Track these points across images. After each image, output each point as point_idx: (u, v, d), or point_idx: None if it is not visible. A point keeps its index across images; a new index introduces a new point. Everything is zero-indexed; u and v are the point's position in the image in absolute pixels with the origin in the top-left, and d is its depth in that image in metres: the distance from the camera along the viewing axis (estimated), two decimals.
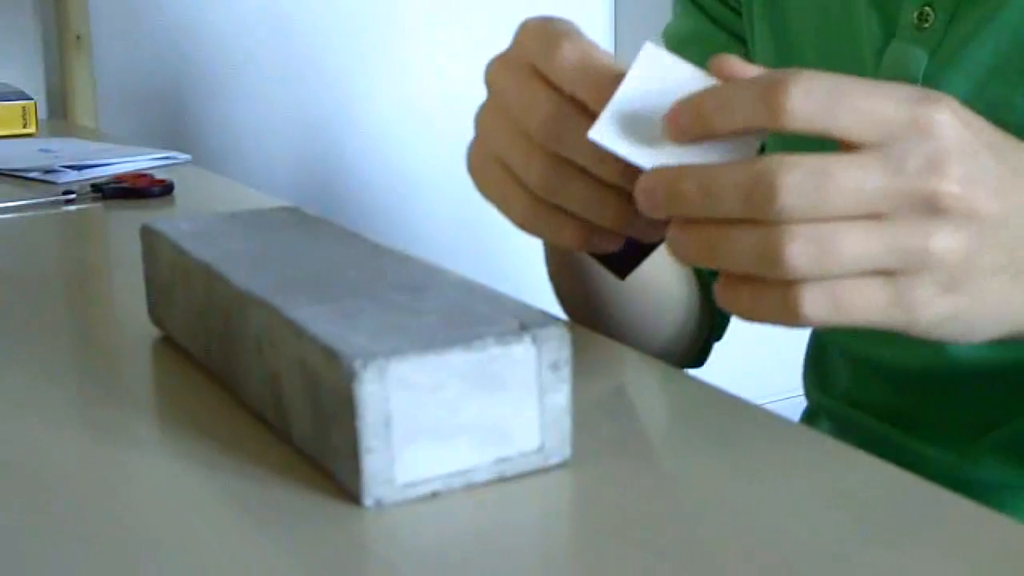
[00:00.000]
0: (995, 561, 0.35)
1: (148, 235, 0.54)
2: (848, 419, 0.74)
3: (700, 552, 0.35)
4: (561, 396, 0.39)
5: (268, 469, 0.40)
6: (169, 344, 0.54)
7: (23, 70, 1.54)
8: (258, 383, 0.44)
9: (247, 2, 1.69)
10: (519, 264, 1.56)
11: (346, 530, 0.36)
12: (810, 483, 0.40)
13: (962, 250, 0.40)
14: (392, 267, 0.47)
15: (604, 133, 0.43)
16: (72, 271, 0.73)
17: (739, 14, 0.74)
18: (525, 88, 0.47)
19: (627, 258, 0.53)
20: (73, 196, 0.91)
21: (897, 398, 0.71)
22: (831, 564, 0.34)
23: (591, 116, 0.44)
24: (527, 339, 0.38)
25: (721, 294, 0.42)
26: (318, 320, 0.39)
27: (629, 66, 0.44)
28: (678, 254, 0.42)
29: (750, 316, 0.41)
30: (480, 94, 0.51)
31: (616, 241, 0.49)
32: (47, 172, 1.01)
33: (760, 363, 1.79)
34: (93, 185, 0.93)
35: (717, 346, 0.78)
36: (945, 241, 0.40)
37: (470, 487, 0.38)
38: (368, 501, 0.37)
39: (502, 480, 0.39)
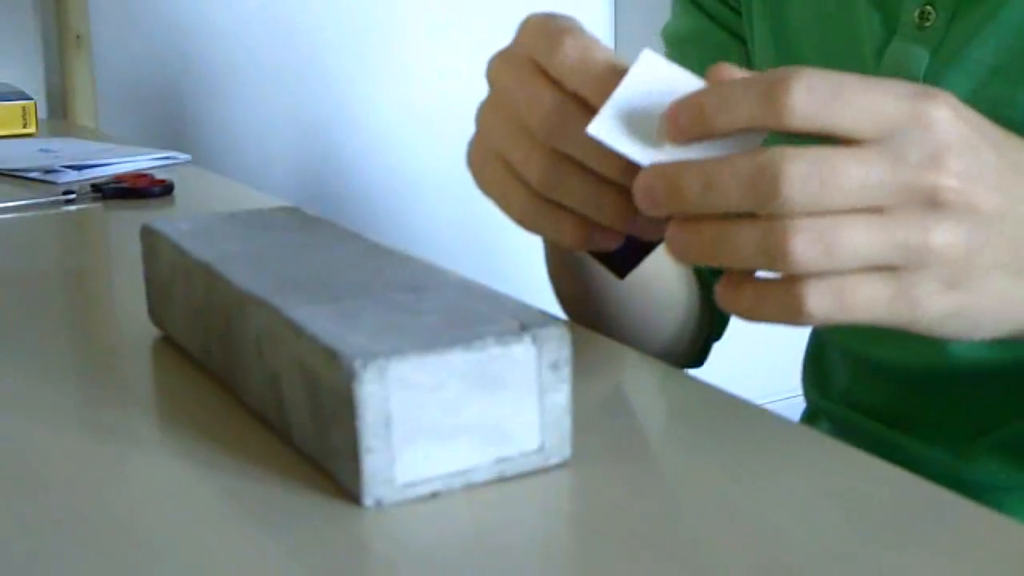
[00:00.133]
0: (995, 561, 0.35)
1: (148, 235, 0.54)
2: (847, 420, 0.74)
3: (700, 552, 0.35)
4: (561, 396, 0.39)
5: (268, 469, 0.40)
6: (169, 344, 0.54)
7: (23, 70, 1.54)
8: (258, 383, 0.44)
9: (247, 2, 1.69)
10: (519, 264, 1.56)
11: (346, 530, 0.36)
12: (810, 483, 0.40)
13: (963, 246, 0.40)
14: (392, 267, 0.47)
15: (603, 129, 0.43)
16: (72, 271, 0.73)
17: (739, 13, 0.74)
18: (527, 84, 0.47)
19: (627, 257, 0.53)
20: (73, 196, 0.91)
21: (896, 398, 0.71)
22: (831, 564, 0.34)
23: (592, 112, 0.44)
24: (527, 339, 0.38)
25: (722, 295, 0.42)
26: (318, 320, 0.39)
27: (630, 65, 0.44)
28: (677, 253, 0.42)
29: (752, 316, 0.41)
30: (480, 94, 0.51)
31: (616, 239, 0.49)
32: (47, 172, 1.01)
33: (760, 363, 1.80)
34: (93, 185, 0.93)
35: (717, 346, 0.78)
36: (945, 236, 0.40)
37: (470, 487, 0.38)
38: (368, 501, 0.37)
39: (502, 480, 0.39)
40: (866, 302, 0.40)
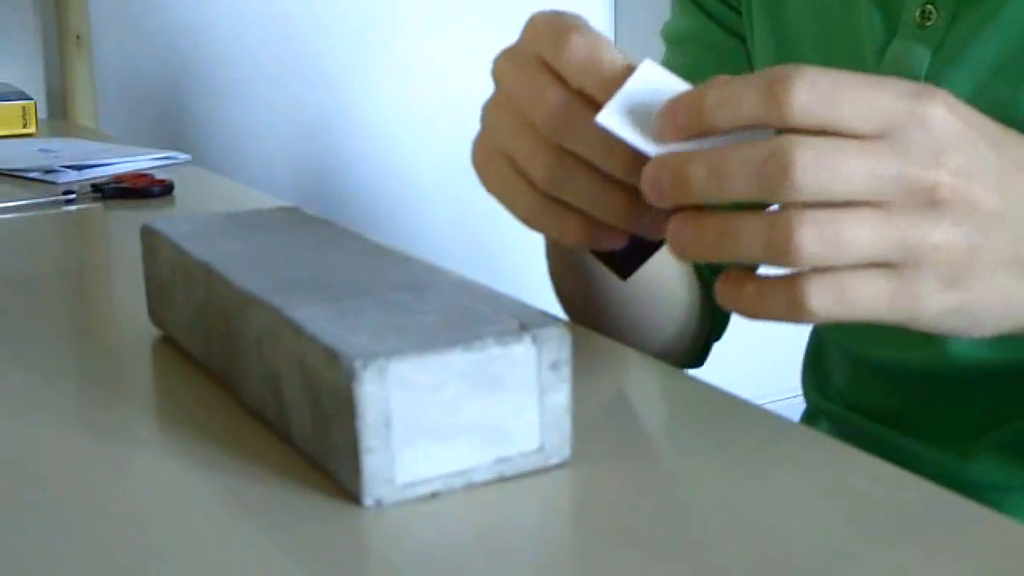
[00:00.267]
0: (995, 561, 0.35)
1: (148, 235, 0.54)
2: (847, 420, 0.74)
3: (700, 552, 0.35)
4: (561, 396, 0.39)
5: (268, 469, 0.40)
6: (169, 344, 0.54)
7: (23, 70, 1.54)
8: (258, 383, 0.44)
9: (247, 2, 1.69)
10: (519, 264, 1.56)
11: (346, 530, 0.36)
12: (810, 483, 0.40)
13: (962, 244, 0.40)
14: (392, 267, 0.47)
15: (612, 119, 0.43)
16: (72, 271, 0.73)
17: (739, 12, 0.74)
18: (533, 81, 0.46)
19: (630, 258, 0.53)
20: (73, 196, 0.91)
21: (896, 398, 0.71)
22: (831, 564, 0.34)
23: (598, 110, 0.44)
24: (527, 339, 0.38)
25: (722, 292, 0.42)
26: (318, 320, 0.39)
27: (637, 62, 0.44)
28: (679, 250, 0.41)
29: (753, 313, 0.41)
30: (480, 94, 0.51)
31: (620, 238, 0.49)
32: (47, 172, 1.01)
33: (760, 363, 1.80)
34: (93, 185, 0.93)
35: (717, 346, 0.78)
36: (944, 235, 0.40)
37: (470, 487, 0.38)
38: (368, 501, 0.37)
39: (502, 480, 0.39)
40: (867, 299, 0.40)
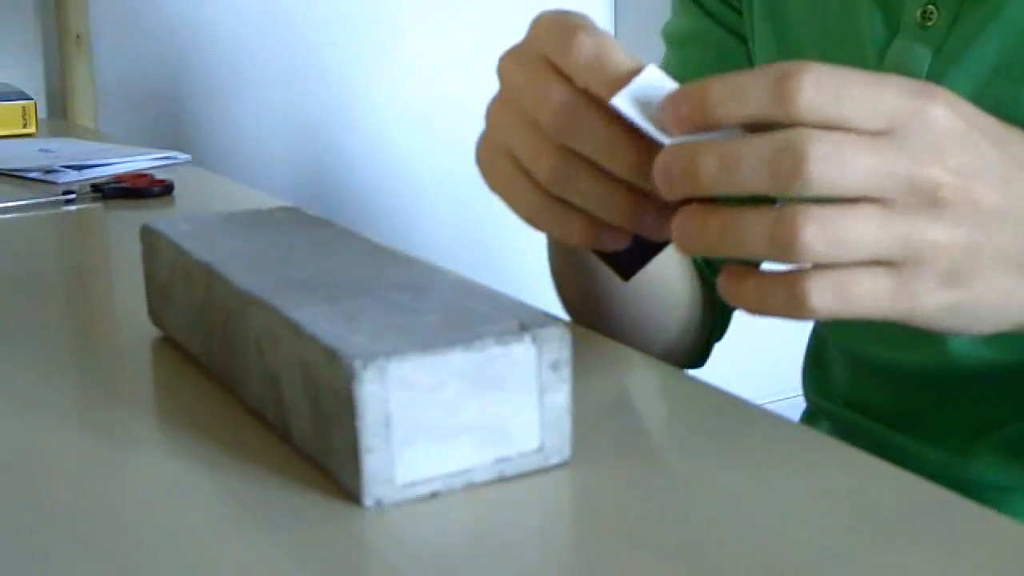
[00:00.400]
0: (995, 561, 0.35)
1: (148, 235, 0.54)
2: (847, 420, 0.74)
3: (700, 552, 0.35)
4: (561, 396, 0.39)
5: (268, 469, 0.40)
6: (169, 344, 0.54)
7: (23, 70, 1.54)
8: (258, 383, 0.44)
9: (247, 2, 1.69)
10: (519, 264, 1.56)
11: (346, 530, 0.36)
12: (810, 483, 0.40)
13: (962, 243, 0.40)
14: (392, 267, 0.47)
15: (626, 104, 0.43)
16: (72, 271, 0.73)
17: (739, 12, 0.74)
18: (538, 80, 0.46)
19: (633, 258, 0.53)
20: (73, 196, 0.91)
21: (896, 398, 0.71)
22: (831, 564, 0.34)
23: (604, 110, 0.44)
24: (527, 339, 0.38)
25: (725, 286, 0.42)
26: (318, 320, 0.39)
27: (643, 62, 0.44)
28: (683, 243, 0.41)
29: (754, 309, 0.41)
30: (481, 94, 0.51)
31: (624, 238, 0.49)
32: (47, 172, 1.01)
33: (760, 363, 1.80)
34: (93, 185, 0.93)
35: (717, 346, 0.78)
36: (945, 233, 0.40)
37: (470, 487, 0.38)
38: (368, 501, 0.37)
39: (502, 480, 0.39)
40: (867, 297, 0.40)
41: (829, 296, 0.40)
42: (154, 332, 0.55)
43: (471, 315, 0.40)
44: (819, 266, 0.40)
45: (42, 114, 1.47)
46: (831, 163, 0.38)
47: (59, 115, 1.55)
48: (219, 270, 0.46)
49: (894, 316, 0.41)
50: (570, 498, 0.39)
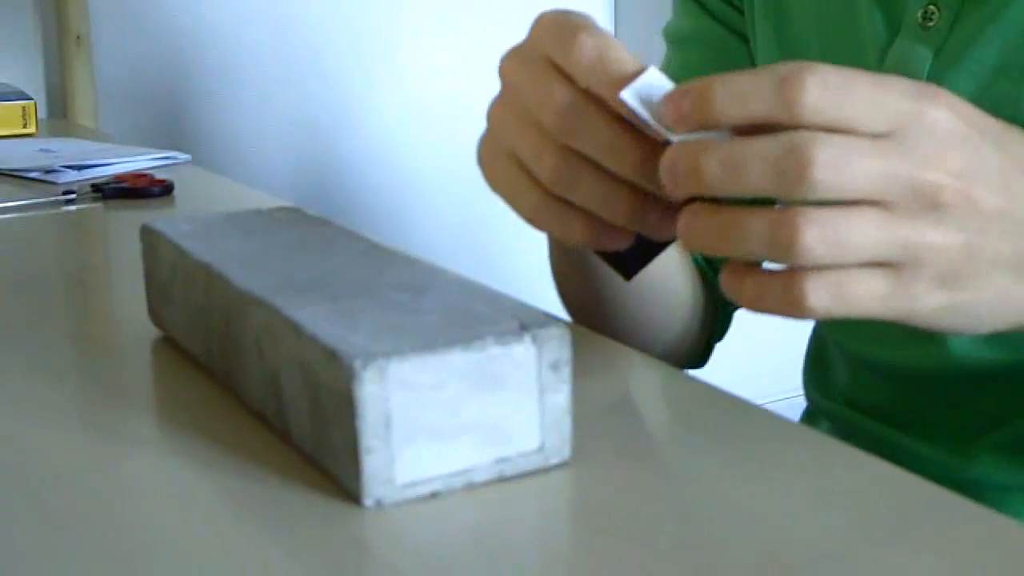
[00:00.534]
0: (995, 561, 0.35)
1: (148, 235, 0.54)
2: (847, 420, 0.74)
3: (700, 552, 0.35)
4: (561, 396, 0.39)
5: (268, 469, 0.40)
6: (169, 344, 0.54)
7: (23, 70, 1.54)
8: (258, 383, 0.44)
9: (247, 2, 1.69)
10: (519, 264, 1.56)
11: (346, 530, 0.36)
12: (810, 483, 0.40)
13: (962, 245, 0.40)
14: (392, 267, 0.47)
15: (632, 99, 0.43)
16: (72, 271, 0.73)
17: (741, 12, 0.74)
18: (540, 80, 0.46)
19: (635, 258, 0.53)
20: (73, 196, 0.91)
21: (896, 398, 0.71)
22: (831, 564, 0.34)
23: (606, 110, 0.44)
24: (527, 339, 0.38)
25: (726, 282, 0.42)
26: (318, 320, 0.39)
27: (646, 62, 0.44)
28: (687, 240, 0.41)
29: (753, 306, 0.41)
30: (481, 94, 0.51)
31: (626, 239, 0.49)
32: (47, 172, 1.01)
33: (760, 363, 1.80)
34: (93, 185, 0.93)
35: (717, 346, 0.78)
36: (944, 236, 0.40)
37: (470, 487, 0.38)
38: (368, 501, 0.37)
39: (502, 480, 0.39)
40: (865, 297, 0.40)
41: (827, 296, 0.40)
42: (154, 332, 0.55)
43: (471, 315, 0.40)
44: (817, 267, 0.40)
45: (42, 114, 1.47)
46: (836, 168, 0.38)
47: (59, 115, 1.55)
48: (219, 270, 0.46)
49: (892, 316, 0.41)
50: (570, 498, 0.39)
